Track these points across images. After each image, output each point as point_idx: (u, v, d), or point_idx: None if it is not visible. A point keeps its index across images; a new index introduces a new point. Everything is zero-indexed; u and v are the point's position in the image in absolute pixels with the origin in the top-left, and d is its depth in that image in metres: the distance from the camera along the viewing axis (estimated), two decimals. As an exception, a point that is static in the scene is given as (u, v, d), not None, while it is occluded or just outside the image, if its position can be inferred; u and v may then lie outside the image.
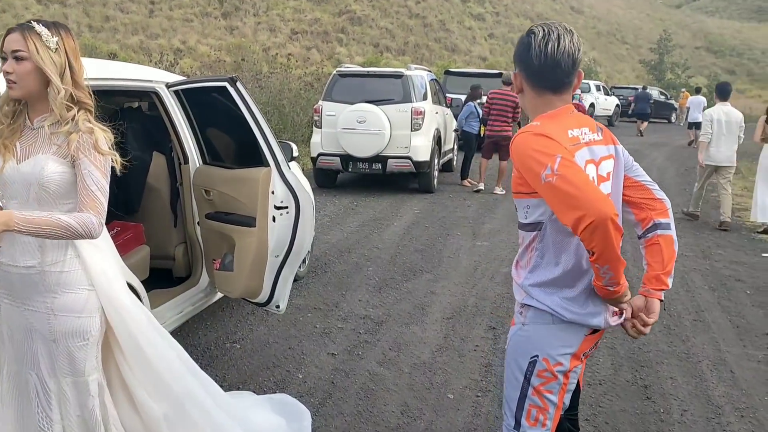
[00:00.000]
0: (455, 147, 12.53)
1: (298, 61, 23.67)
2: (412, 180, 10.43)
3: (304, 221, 3.44)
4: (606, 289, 1.86)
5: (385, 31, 43.08)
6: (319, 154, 9.85)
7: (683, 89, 33.67)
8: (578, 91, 20.63)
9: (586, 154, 1.94)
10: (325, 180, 10.31)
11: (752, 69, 59.04)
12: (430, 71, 11.88)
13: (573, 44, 1.91)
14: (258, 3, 42.51)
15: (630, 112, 25.76)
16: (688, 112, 22.20)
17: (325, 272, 5.91)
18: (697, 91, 22.68)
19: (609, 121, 26.41)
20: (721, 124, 8.32)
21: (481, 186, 10.50)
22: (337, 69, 10.41)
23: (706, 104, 24.12)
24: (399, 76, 9.80)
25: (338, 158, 9.75)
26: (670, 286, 2.05)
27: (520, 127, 17.17)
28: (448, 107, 11.81)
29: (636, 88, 29.78)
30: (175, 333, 3.48)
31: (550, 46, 1.90)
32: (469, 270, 6.11)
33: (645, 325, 1.99)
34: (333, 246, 6.81)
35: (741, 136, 8.45)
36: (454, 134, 12.10)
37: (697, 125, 21.62)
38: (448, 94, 12.91)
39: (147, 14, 38.54)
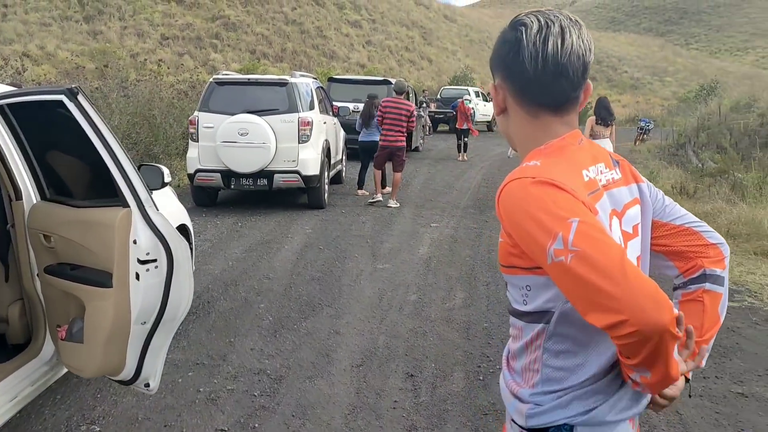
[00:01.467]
0: (344, 158, 11.90)
1: (169, 68, 22.18)
2: (301, 196, 9.67)
3: (179, 278, 2.61)
4: (643, 387, 1.24)
5: (261, 37, 41.87)
6: (197, 171, 8.85)
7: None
8: (467, 96, 20.87)
9: (607, 203, 1.32)
10: (205, 199, 9.32)
11: (611, 75, 62.83)
12: (315, 78, 11.15)
13: (583, 42, 1.28)
14: (124, 7, 39.99)
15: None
16: None
17: (208, 313, 5.04)
18: None
19: (489, 127, 26.82)
20: None
21: (379, 197, 9.91)
22: (214, 76, 9.45)
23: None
24: (283, 83, 8.99)
25: (218, 174, 8.81)
26: (704, 364, 1.45)
27: (411, 139, 16.80)
28: (335, 116, 11.13)
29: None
30: (5, 425, 2.56)
31: (551, 44, 1.26)
32: (373, 300, 5.44)
33: (660, 402, 1.35)
34: (216, 278, 5.93)
35: None
36: (343, 145, 11.49)
37: None
38: (333, 103, 12.24)
39: (-1, 18, 35.23)
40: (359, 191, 10.79)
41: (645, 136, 21.93)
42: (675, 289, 1.47)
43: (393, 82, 10.65)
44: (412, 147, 17.01)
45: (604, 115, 9.08)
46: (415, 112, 9.95)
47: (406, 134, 9.73)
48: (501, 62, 1.33)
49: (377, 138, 10.21)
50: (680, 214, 1.47)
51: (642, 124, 22.53)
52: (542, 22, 1.27)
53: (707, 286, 1.42)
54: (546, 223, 1.14)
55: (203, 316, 4.98)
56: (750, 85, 37.75)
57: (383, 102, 9.83)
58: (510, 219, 1.21)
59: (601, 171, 1.34)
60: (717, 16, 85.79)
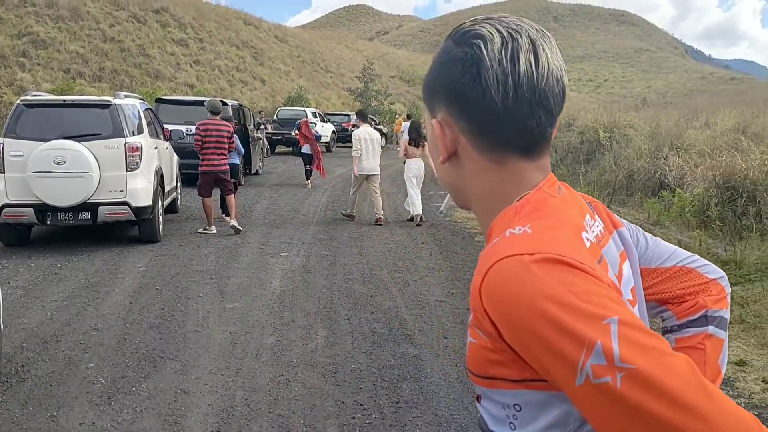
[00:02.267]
0: (179, 185, 11.03)
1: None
2: (132, 229, 8.72)
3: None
4: None
5: (76, 55, 38.75)
6: (4, 206, 7.64)
7: (398, 115, 35.77)
8: (312, 117, 20.36)
9: (608, 267, 0.96)
10: (15, 237, 8.10)
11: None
12: (143, 99, 10.21)
13: (557, 59, 0.91)
14: None
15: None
16: (402, 135, 24.01)
17: (23, 380, 4.18)
18: (409, 117, 24.49)
19: (327, 147, 26.65)
20: (367, 142, 10.37)
21: (214, 230, 9.21)
22: (22, 98, 8.27)
23: None
24: (106, 105, 8.03)
25: (31, 209, 7.66)
26: None
27: (250, 162, 16.07)
28: (167, 140, 10.26)
29: (348, 115, 30.86)
30: None
31: (522, 63, 0.88)
32: (225, 347, 4.84)
33: None
34: (32, 334, 5.01)
35: (379, 150, 10.64)
36: (177, 170, 10.65)
37: None
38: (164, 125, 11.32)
39: None
40: (224, 216, 9.92)
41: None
42: (666, 332, 1.15)
43: (206, 102, 10.00)
44: (252, 171, 16.33)
45: (414, 136, 10.46)
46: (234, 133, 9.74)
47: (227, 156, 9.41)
48: (450, 90, 0.93)
49: (236, 160, 10.13)
50: (668, 253, 1.15)
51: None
52: (505, 34, 0.89)
53: (710, 330, 1.12)
54: (572, 326, 0.73)
55: (16, 384, 4.12)
56: (566, 106, 40.90)
57: (201, 125, 9.16)
58: (509, 321, 0.79)
59: (590, 226, 0.98)
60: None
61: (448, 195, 1.31)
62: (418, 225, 10.32)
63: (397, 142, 31.00)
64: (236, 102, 16.24)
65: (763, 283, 6.03)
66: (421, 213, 10.46)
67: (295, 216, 11.06)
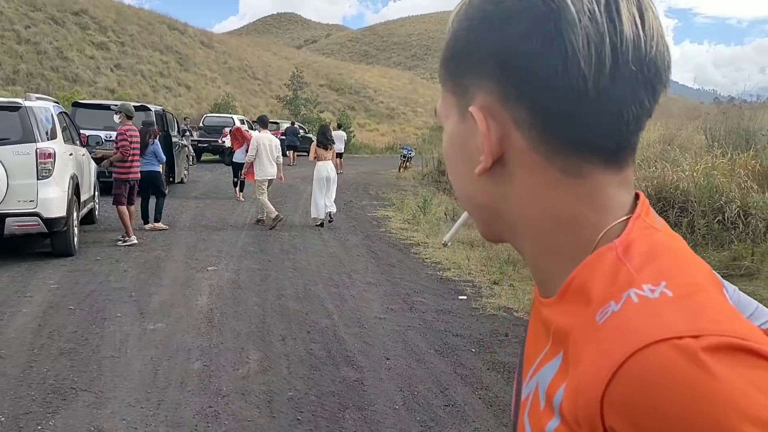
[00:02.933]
0: (97, 194, 10.36)
1: None
2: (43, 242, 8.04)
3: None
4: None
5: (-13, 56, 36.72)
6: None
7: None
8: (239, 125, 19.79)
9: None
10: None
11: (368, 105, 65.62)
12: (57, 102, 9.51)
13: (659, 21, 0.60)
14: None
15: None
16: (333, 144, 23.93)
17: None
18: (339, 126, 24.45)
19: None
20: (266, 147, 10.68)
21: (134, 239, 8.66)
22: None
23: (346, 138, 25.86)
24: (15, 107, 7.36)
25: (-74, 221, 6.94)
26: None
27: (173, 171, 15.43)
28: (83, 146, 9.60)
29: (276, 122, 30.36)
30: None
31: (625, 18, 0.57)
32: (146, 375, 4.38)
33: None
34: None
35: (279, 156, 10.97)
36: (95, 179, 10.04)
37: (340, 155, 23.14)
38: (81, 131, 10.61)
39: None
40: (147, 226, 9.87)
41: (408, 163, 22.75)
42: None
43: (117, 106, 9.71)
44: (176, 180, 15.65)
45: (321, 139, 10.96)
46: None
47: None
48: (504, 60, 0.61)
49: (158, 167, 9.76)
50: (753, 306, 0.85)
51: (404, 151, 23.35)
52: None
53: None
54: None
55: None
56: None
57: (129, 131, 8.85)
58: None
59: None
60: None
61: (458, 223, 0.96)
62: (322, 225, 10.86)
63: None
64: (159, 107, 15.54)
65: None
66: (322, 217, 10.91)
67: (223, 227, 10.55)
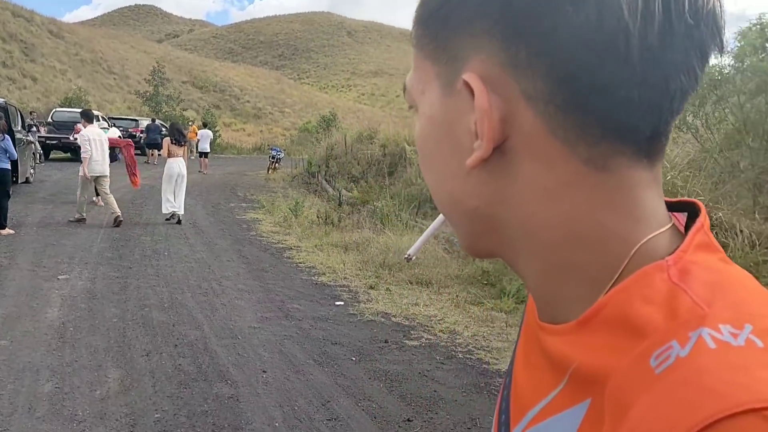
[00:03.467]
0: None
1: None
2: None
3: None
4: None
5: None
6: None
7: (191, 122, 34.00)
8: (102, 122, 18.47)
9: None
10: None
11: (234, 104, 64.01)
12: None
13: None
14: None
15: (142, 142, 24.85)
16: (198, 143, 23.30)
17: None
18: (204, 125, 23.86)
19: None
20: (95, 143, 10.31)
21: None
22: None
23: (212, 136, 25.09)
24: None
25: None
26: None
27: (17, 169, 14.26)
28: None
29: (136, 120, 28.88)
30: None
31: None
32: (-15, 404, 3.83)
33: None
34: None
35: (107, 151, 10.66)
36: None
37: (205, 154, 22.42)
38: None
39: None
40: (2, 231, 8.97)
41: (277, 164, 22.29)
42: None
43: None
44: (21, 179, 14.30)
45: (177, 137, 11.04)
46: None
47: None
48: (513, 8, 0.44)
49: (7, 165, 9.17)
50: None
51: (273, 152, 22.85)
52: None
53: None
54: None
55: None
56: (356, 119, 41.86)
57: None
58: None
59: None
60: (323, 55, 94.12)
61: (426, 233, 0.76)
62: (178, 222, 10.85)
63: (191, 150, 29.54)
64: (2, 99, 14.13)
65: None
66: (171, 210, 10.85)
67: (75, 231, 9.71)
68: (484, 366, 4.85)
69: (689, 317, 0.40)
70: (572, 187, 0.45)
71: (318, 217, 11.10)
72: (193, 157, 26.96)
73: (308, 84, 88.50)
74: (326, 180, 15.97)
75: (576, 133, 0.44)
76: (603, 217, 0.46)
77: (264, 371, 4.57)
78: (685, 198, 0.52)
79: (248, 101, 65.43)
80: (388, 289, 7.05)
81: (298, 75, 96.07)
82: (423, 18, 0.51)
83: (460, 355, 5.08)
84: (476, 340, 5.45)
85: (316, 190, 15.54)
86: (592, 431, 0.43)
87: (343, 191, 13.53)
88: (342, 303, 6.50)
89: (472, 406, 4.17)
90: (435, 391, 4.38)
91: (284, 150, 25.72)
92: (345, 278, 7.55)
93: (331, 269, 7.94)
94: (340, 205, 12.50)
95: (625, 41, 0.41)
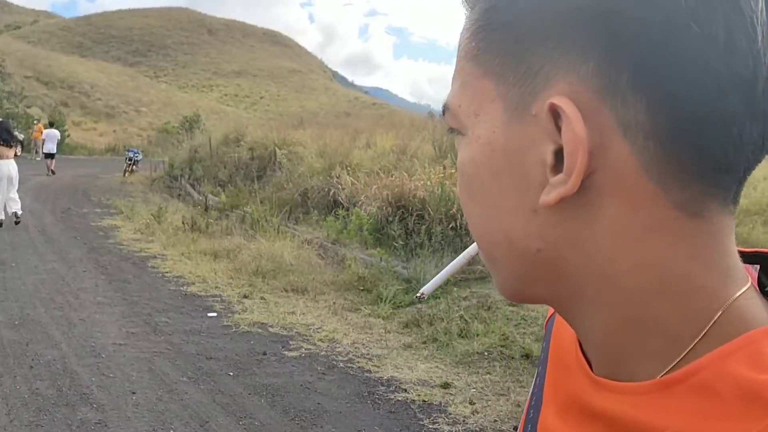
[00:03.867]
0: None
1: None
2: None
3: None
4: None
5: None
6: None
7: (36, 121, 31.49)
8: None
9: None
10: None
11: (84, 102, 60.18)
12: None
13: None
14: None
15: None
16: (43, 144, 21.86)
17: None
18: (51, 125, 22.42)
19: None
20: None
21: None
22: None
23: (60, 137, 23.43)
24: None
25: None
26: None
27: None
28: None
29: (-29, 117, 26.50)
30: None
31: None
32: None
33: None
34: None
35: None
36: None
37: (51, 156, 20.87)
38: None
39: None
40: None
41: (134, 167, 21.15)
42: None
43: None
44: None
45: (6, 137, 10.26)
46: None
47: None
48: (619, 23, 0.37)
49: None
50: None
51: (130, 154, 21.59)
52: None
53: None
54: None
55: None
56: (218, 120, 40.66)
57: None
58: None
59: None
60: (182, 53, 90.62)
61: (445, 271, 0.65)
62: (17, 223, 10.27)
63: (37, 151, 27.42)
64: None
65: (446, 298, 6.35)
66: (2, 218, 10.15)
67: None
68: (366, 375, 4.81)
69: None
70: (659, 232, 0.40)
71: (184, 223, 10.61)
72: (39, 158, 25.00)
73: (166, 83, 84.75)
74: (191, 184, 15.34)
75: (672, 172, 0.39)
76: (690, 268, 0.41)
77: (133, 392, 4.25)
78: (759, 249, 0.48)
79: (100, 99, 61.66)
80: (263, 297, 6.84)
81: (154, 73, 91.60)
82: (489, 27, 0.43)
83: (342, 365, 5.01)
84: (356, 347, 5.40)
85: (179, 195, 14.89)
86: None
87: (210, 196, 13.05)
88: (215, 314, 6.22)
89: (357, 417, 4.12)
90: (318, 403, 4.28)
91: (142, 151, 24.44)
92: (217, 287, 7.24)
93: (201, 278, 7.59)
94: (206, 210, 12.05)
95: (754, 68, 0.36)
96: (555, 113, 0.39)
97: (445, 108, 0.47)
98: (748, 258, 0.47)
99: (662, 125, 0.37)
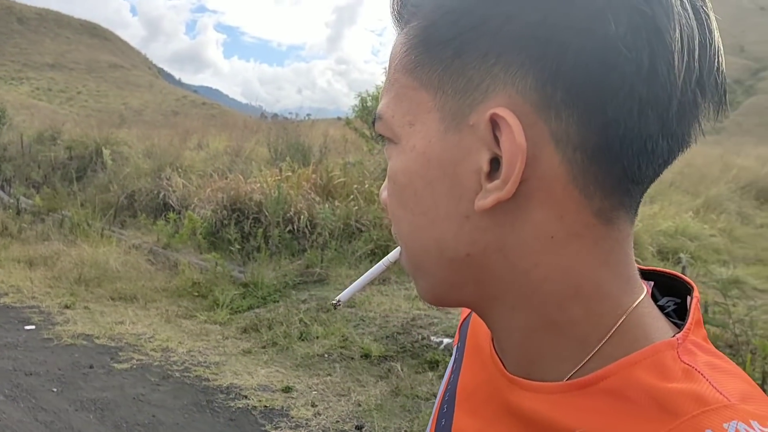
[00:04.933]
0: None
1: None
2: None
3: None
4: None
5: None
6: None
7: None
8: None
9: None
10: None
11: None
12: None
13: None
14: None
15: None
16: None
17: None
18: None
19: None
20: None
21: None
22: None
23: None
24: None
25: None
26: None
27: None
28: None
29: None
30: None
31: (712, 16, 0.43)
32: None
33: None
34: None
35: None
36: None
37: None
38: None
39: None
40: None
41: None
42: None
43: None
44: None
45: None
46: None
47: None
48: (558, 45, 0.41)
49: None
50: None
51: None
52: None
53: None
54: None
55: None
56: (30, 115, 37.27)
57: None
58: None
59: None
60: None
61: (363, 278, 0.65)
62: None
63: None
64: None
65: (285, 302, 6.32)
66: None
67: None
68: (204, 383, 4.67)
69: (718, 407, 0.41)
70: (579, 237, 0.44)
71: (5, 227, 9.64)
72: None
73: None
74: (-1, 185, 13.93)
75: (596, 182, 0.43)
76: (601, 273, 0.45)
77: (-62, 418, 3.80)
78: (654, 267, 0.54)
79: None
80: (86, 307, 6.39)
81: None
82: (428, 43, 0.45)
83: (177, 374, 4.82)
84: (192, 355, 5.22)
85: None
86: None
87: (23, 198, 11.93)
88: (33, 327, 5.71)
89: (196, 427, 3.99)
90: (153, 415, 4.09)
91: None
92: (34, 298, 6.65)
93: (15, 288, 6.93)
94: (18, 213, 11.00)
95: (669, 92, 0.41)
96: (494, 123, 0.43)
97: (378, 117, 0.49)
98: (644, 275, 0.53)
99: (590, 139, 0.42)
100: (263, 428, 4.02)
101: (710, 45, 0.43)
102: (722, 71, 0.45)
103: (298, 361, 5.12)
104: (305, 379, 4.80)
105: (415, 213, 0.48)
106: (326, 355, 5.16)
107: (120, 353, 5.19)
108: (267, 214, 8.43)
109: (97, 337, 5.55)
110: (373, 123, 0.49)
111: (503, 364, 0.51)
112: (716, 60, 0.44)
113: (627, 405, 0.43)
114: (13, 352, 5.02)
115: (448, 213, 0.46)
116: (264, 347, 5.46)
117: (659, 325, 0.47)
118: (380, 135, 0.49)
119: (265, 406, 4.30)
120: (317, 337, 5.46)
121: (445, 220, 0.46)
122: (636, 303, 0.46)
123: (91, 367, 4.84)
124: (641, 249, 7.82)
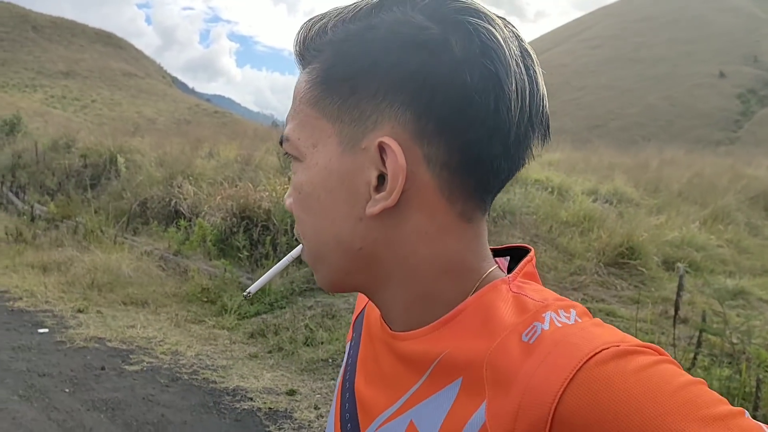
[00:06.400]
0: None
1: None
2: None
3: None
4: None
5: None
6: None
7: None
8: None
9: None
10: None
11: None
12: None
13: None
14: None
15: None
16: None
17: None
18: None
19: None
20: None
21: None
22: None
23: None
24: None
25: None
26: None
27: None
28: None
29: None
30: None
31: (539, 72, 0.60)
32: None
33: None
34: None
35: None
36: None
37: None
38: None
39: None
40: None
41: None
42: None
43: None
44: None
45: None
46: None
47: None
48: (431, 89, 0.56)
49: None
50: None
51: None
52: (494, 25, 0.58)
53: None
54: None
55: None
56: (44, 123, 37.74)
57: None
58: None
59: None
60: (2, 50, 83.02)
61: (273, 270, 0.78)
62: None
63: None
64: None
65: (291, 308, 6.46)
66: None
67: None
68: (211, 385, 4.81)
69: (537, 309, 0.56)
70: (447, 232, 0.59)
71: (7, 234, 9.84)
72: None
73: (-18, 81, 76.94)
74: (14, 192, 14.18)
75: (458, 191, 0.58)
76: (466, 256, 0.61)
77: (-44, 415, 3.96)
78: (508, 244, 0.69)
79: None
80: (99, 311, 6.56)
81: None
82: (329, 80, 0.59)
83: (186, 377, 4.96)
84: (201, 359, 5.37)
85: (0, 204, 13.72)
86: (469, 401, 0.55)
87: (37, 205, 12.16)
88: (46, 330, 5.88)
89: (203, 426, 4.13)
90: (162, 415, 4.23)
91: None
92: (47, 302, 6.83)
93: (30, 293, 7.11)
94: (33, 220, 11.23)
95: (509, 125, 0.56)
96: (381, 148, 0.57)
97: (285, 139, 0.63)
98: (501, 253, 0.68)
99: (454, 160, 0.57)
100: (267, 429, 4.15)
101: (537, 93, 0.58)
102: (546, 112, 0.60)
103: (303, 366, 5.26)
104: (309, 383, 4.93)
105: (317, 216, 0.62)
106: (330, 360, 5.29)
107: (131, 356, 5.34)
108: (275, 222, 8.58)
109: (109, 340, 5.71)
110: (281, 143, 0.63)
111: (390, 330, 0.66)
112: (542, 104, 0.59)
113: (475, 325, 0.58)
114: (27, 354, 5.18)
115: (345, 215, 0.60)
116: (270, 352, 5.60)
117: (501, 275, 0.63)
118: (286, 153, 0.63)
119: (270, 408, 4.44)
120: (322, 343, 5.59)
121: (343, 221, 0.60)
122: (489, 271, 0.62)
123: (102, 368, 5.00)
124: (646, 259, 7.88)
